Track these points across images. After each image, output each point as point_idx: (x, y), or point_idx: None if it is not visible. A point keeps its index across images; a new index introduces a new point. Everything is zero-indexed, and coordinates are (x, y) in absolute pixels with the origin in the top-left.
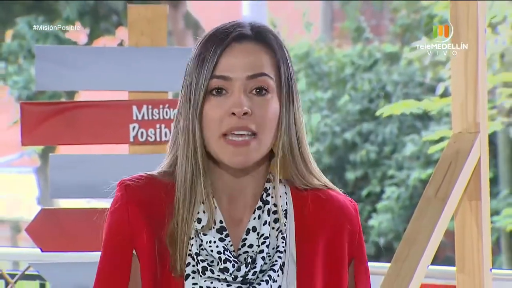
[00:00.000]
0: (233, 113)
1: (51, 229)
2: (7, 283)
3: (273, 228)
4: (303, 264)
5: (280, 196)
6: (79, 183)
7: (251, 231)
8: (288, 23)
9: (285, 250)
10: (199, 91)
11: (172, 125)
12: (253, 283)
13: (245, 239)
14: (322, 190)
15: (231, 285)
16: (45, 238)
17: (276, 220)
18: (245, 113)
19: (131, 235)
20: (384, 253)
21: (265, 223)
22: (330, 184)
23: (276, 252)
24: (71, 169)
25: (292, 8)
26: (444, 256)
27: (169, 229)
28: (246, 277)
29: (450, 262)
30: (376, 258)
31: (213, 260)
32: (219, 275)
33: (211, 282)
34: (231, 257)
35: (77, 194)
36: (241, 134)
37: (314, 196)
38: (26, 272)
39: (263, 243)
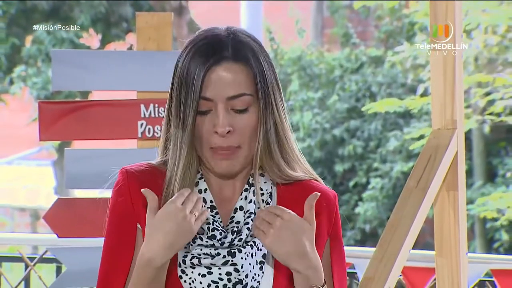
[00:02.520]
0: (217, 132)
1: (66, 217)
2: (26, 266)
3: (258, 208)
4: None
5: (265, 182)
6: (92, 174)
7: (238, 210)
8: (283, 30)
9: None
10: (189, 111)
11: (163, 124)
12: (238, 246)
13: (233, 216)
14: (306, 181)
15: (218, 249)
16: (61, 224)
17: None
18: (228, 132)
19: (134, 211)
20: (369, 238)
21: (250, 202)
22: (316, 176)
23: None
24: (84, 162)
25: (286, 16)
26: (424, 241)
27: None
28: (233, 243)
29: (430, 247)
30: (362, 243)
31: (203, 232)
32: (207, 241)
33: (201, 249)
34: (219, 227)
35: (90, 185)
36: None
37: (296, 185)
38: (44, 256)
39: (248, 217)
